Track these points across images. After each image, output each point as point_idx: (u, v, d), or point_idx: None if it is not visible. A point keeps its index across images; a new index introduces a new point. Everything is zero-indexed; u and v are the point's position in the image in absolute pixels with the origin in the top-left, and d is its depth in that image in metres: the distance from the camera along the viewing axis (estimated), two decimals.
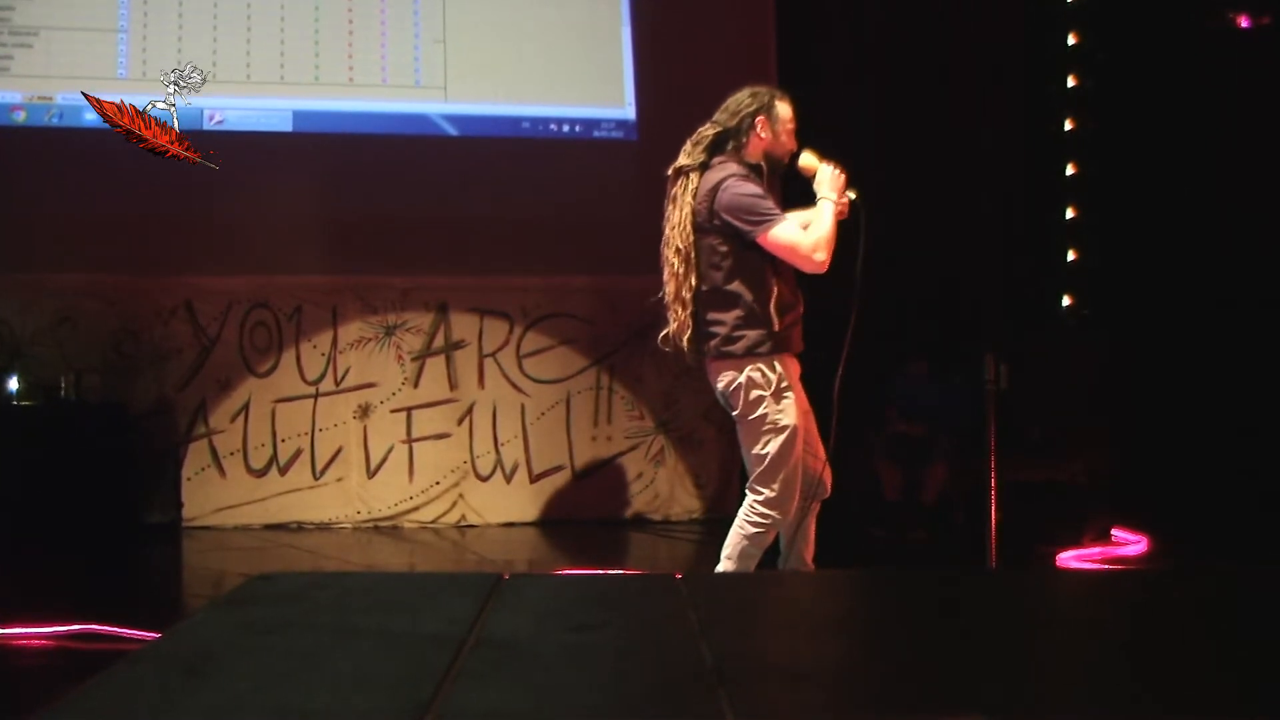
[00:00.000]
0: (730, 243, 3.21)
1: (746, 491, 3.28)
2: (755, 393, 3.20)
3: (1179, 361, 5.94)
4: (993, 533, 3.96)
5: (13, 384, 5.35)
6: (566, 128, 5.96)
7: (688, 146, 3.34)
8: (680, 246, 3.25)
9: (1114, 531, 5.13)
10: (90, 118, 3.90)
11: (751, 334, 3.20)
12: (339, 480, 5.76)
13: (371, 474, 5.79)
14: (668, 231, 3.30)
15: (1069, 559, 4.75)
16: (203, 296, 5.70)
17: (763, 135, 3.30)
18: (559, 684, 1.34)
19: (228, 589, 2.65)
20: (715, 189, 3.21)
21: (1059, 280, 6.69)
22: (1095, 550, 4.91)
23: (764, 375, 3.19)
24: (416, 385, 5.84)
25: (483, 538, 5.57)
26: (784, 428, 3.19)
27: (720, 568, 3.27)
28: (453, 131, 5.86)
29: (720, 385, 3.27)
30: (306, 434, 5.75)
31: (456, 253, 5.81)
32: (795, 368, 3.31)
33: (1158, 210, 6.27)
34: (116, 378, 5.59)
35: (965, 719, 1.21)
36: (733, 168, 3.25)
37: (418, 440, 5.82)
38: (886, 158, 6.11)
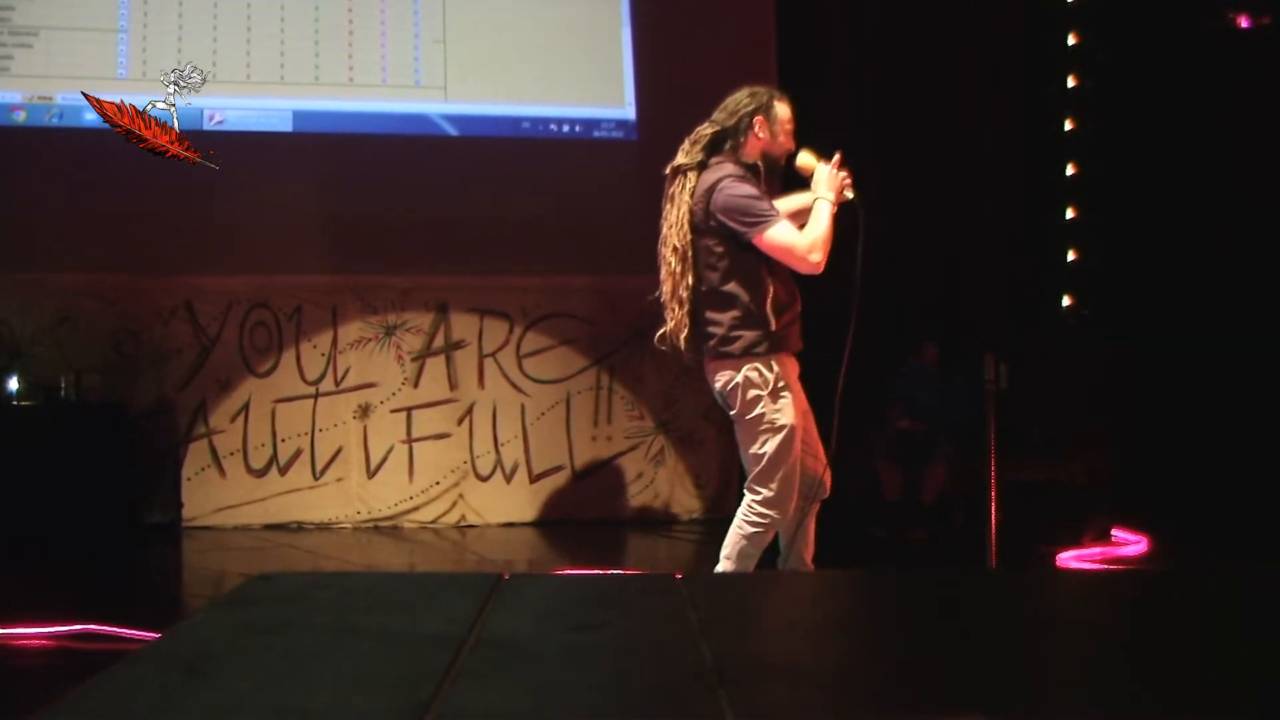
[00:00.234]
0: (726, 243, 3.21)
1: (745, 491, 3.28)
2: (752, 392, 3.20)
3: (1179, 361, 5.93)
4: (993, 533, 3.96)
5: (13, 384, 5.35)
6: (566, 128, 5.96)
7: (685, 145, 3.34)
8: (678, 245, 3.25)
9: (1114, 531, 5.13)
10: (90, 118, 3.90)
11: (748, 334, 3.20)
12: (339, 480, 5.76)
13: (371, 474, 5.79)
14: (665, 230, 3.30)
15: (1069, 559, 4.75)
16: (203, 296, 5.70)
17: (760, 135, 3.30)
18: (559, 684, 1.34)
19: (228, 589, 2.65)
20: (711, 189, 3.21)
21: (1059, 280, 6.69)
22: (1095, 550, 4.91)
23: (761, 375, 3.19)
24: (416, 385, 5.84)
25: (483, 538, 5.57)
26: (781, 427, 3.19)
27: (719, 568, 3.27)
28: (453, 131, 5.86)
29: (718, 385, 3.27)
30: (306, 434, 5.75)
31: (456, 253, 5.81)
32: (793, 367, 3.31)
33: (1158, 210, 6.27)
34: (116, 378, 5.59)
35: (965, 719, 1.21)
36: (729, 168, 3.25)
37: (418, 440, 5.82)
38: (886, 158, 6.11)
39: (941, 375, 5.73)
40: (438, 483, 5.83)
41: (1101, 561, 4.81)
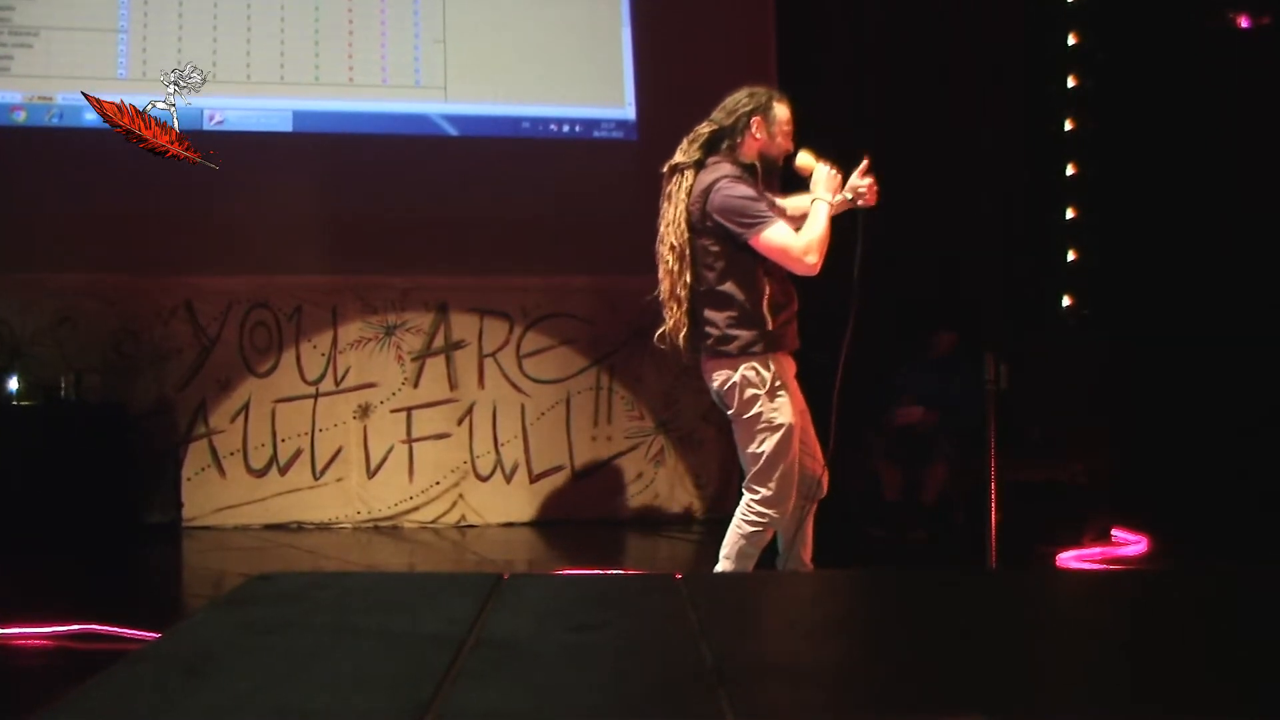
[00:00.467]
0: (723, 243, 3.21)
1: (743, 491, 3.28)
2: (750, 391, 3.20)
3: (1179, 361, 5.93)
4: (993, 533, 3.96)
5: (13, 384, 5.35)
6: (566, 128, 5.96)
7: (684, 144, 3.35)
8: (675, 244, 3.26)
9: (1114, 531, 5.13)
10: (90, 118, 3.90)
11: (744, 334, 3.20)
12: (339, 480, 5.76)
13: (371, 474, 5.79)
14: (663, 229, 3.31)
15: (1069, 559, 4.75)
16: (203, 296, 5.70)
17: (758, 136, 3.30)
18: (559, 684, 1.34)
19: (228, 589, 2.65)
20: (708, 189, 3.21)
21: (1059, 280, 6.68)
22: (1095, 550, 4.90)
23: (758, 374, 3.20)
24: (416, 385, 5.84)
25: (483, 538, 5.57)
26: (779, 426, 3.20)
27: (719, 567, 3.28)
28: (453, 131, 5.86)
29: (715, 384, 3.28)
30: (306, 434, 5.75)
31: (456, 253, 5.81)
32: (790, 366, 3.31)
33: (1158, 210, 6.26)
34: (116, 378, 5.59)
35: (965, 719, 1.21)
36: (726, 168, 3.25)
37: (418, 440, 5.82)
38: (886, 158, 6.08)
39: (955, 367, 5.62)
40: (438, 483, 5.83)
41: (1101, 561, 4.81)
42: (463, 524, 5.80)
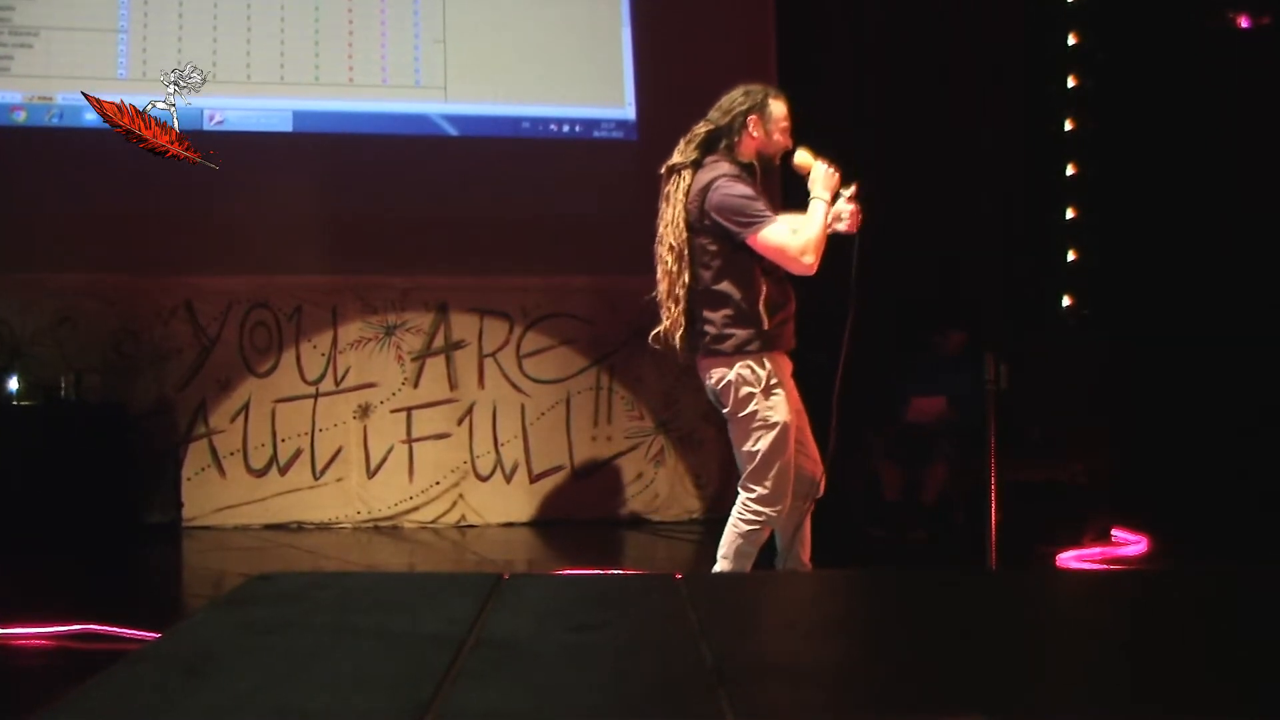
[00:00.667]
0: (720, 243, 3.22)
1: (739, 490, 3.28)
2: (745, 390, 3.20)
3: (1179, 361, 5.93)
4: (993, 533, 3.96)
5: (13, 384, 5.35)
6: (566, 128, 5.96)
7: (681, 144, 3.35)
8: (673, 244, 3.26)
9: (1114, 531, 5.13)
10: (90, 118, 3.90)
11: (740, 332, 3.21)
12: (339, 480, 5.76)
13: (371, 474, 5.79)
14: (661, 229, 3.31)
15: (1069, 559, 4.75)
16: (203, 296, 5.70)
17: (755, 134, 3.30)
18: (559, 684, 1.34)
19: (228, 589, 2.65)
20: (706, 189, 3.21)
21: (1059, 280, 6.68)
22: (1095, 550, 4.90)
23: (753, 372, 3.20)
24: (416, 385, 5.84)
25: (483, 538, 5.57)
26: (774, 424, 3.20)
27: (717, 567, 3.28)
28: (453, 131, 5.86)
29: (710, 383, 3.28)
30: (306, 434, 5.75)
31: (456, 253, 5.81)
32: (786, 365, 3.31)
33: (1158, 210, 6.26)
34: (116, 378, 5.58)
35: (965, 719, 1.21)
36: (724, 167, 3.25)
37: (418, 440, 5.82)
38: (886, 158, 6.11)
39: (965, 366, 5.59)
40: (438, 483, 5.83)
41: (1101, 561, 4.81)
42: (463, 524, 5.80)
